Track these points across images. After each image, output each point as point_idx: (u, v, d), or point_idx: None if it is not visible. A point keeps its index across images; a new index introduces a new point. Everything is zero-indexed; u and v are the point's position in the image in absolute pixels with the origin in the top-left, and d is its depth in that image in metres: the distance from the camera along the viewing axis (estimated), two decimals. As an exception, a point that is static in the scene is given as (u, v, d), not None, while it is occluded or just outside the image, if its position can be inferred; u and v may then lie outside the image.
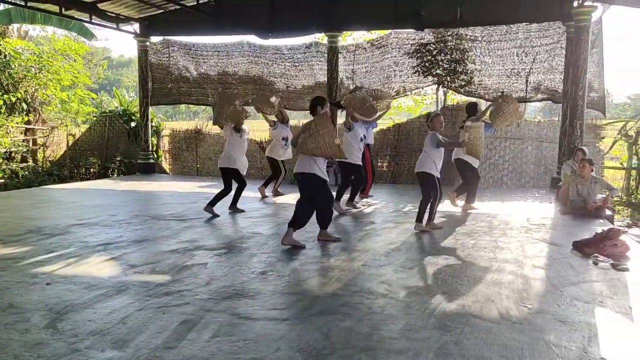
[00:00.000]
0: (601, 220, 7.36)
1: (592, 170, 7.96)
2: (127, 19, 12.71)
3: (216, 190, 7.87)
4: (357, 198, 8.51)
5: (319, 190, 5.70)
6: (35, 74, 15.30)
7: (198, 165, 13.86)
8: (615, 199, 9.86)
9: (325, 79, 12.40)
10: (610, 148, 12.84)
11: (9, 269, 4.81)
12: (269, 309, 3.85)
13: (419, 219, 6.58)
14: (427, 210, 6.60)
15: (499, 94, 7.29)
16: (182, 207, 8.21)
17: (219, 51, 13.69)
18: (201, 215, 7.50)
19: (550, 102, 12.70)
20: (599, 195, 7.98)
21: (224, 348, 3.16)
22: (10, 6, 12.96)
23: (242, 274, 4.71)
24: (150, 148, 13.99)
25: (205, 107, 14.02)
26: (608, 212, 7.83)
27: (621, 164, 13.05)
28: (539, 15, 10.60)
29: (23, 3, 10.71)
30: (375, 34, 14.65)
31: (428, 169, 6.45)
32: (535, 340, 3.31)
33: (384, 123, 15.39)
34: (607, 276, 4.73)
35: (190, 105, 14.10)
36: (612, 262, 5.10)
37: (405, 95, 13.48)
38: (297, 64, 13.23)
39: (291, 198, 9.20)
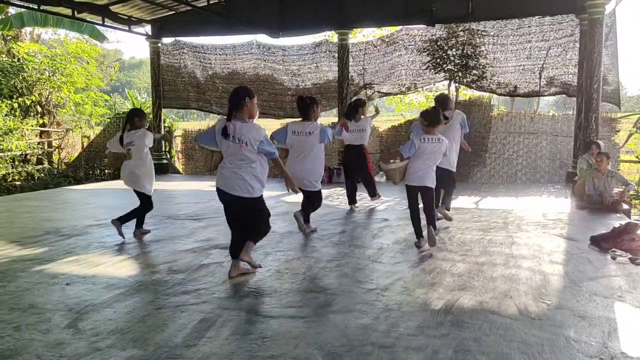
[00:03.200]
0: (618, 215, 7.28)
1: (609, 164, 7.88)
2: (139, 21, 12.81)
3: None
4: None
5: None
6: (49, 76, 15.49)
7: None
8: (631, 192, 9.75)
9: (335, 77, 12.40)
10: (626, 141, 12.70)
11: (28, 270, 4.87)
12: (285, 307, 3.86)
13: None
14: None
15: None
16: (197, 207, 8.26)
17: (226, 53, 13.73)
18: (215, 215, 7.54)
19: (564, 95, 12.58)
20: (615, 190, 7.89)
21: (243, 346, 3.18)
22: (22, 9, 13.11)
23: (258, 272, 4.72)
24: (163, 148, 14.09)
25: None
26: (625, 206, 7.75)
27: (637, 157, 12.90)
28: (551, 8, 10.51)
29: (36, 6, 10.83)
30: (386, 30, 14.60)
31: None
32: (554, 336, 3.29)
33: (395, 120, 15.37)
34: (625, 271, 4.69)
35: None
36: (630, 256, 5.05)
37: (417, 91, 13.43)
38: (307, 63, 13.23)
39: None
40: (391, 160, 5.64)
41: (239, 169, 4.31)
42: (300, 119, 6.16)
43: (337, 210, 7.97)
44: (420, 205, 5.63)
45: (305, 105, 6.06)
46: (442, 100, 6.71)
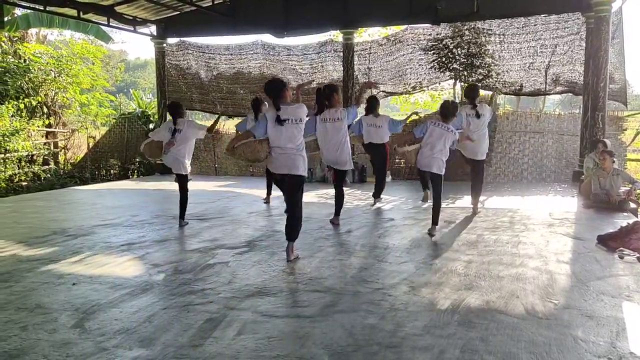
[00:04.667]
0: (625, 214, 7.24)
1: (614, 162, 7.83)
2: (144, 22, 12.84)
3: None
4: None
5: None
6: (55, 77, 15.54)
7: (216, 165, 13.95)
8: (638, 191, 9.70)
9: (341, 77, 12.38)
10: (633, 140, 12.63)
11: (35, 270, 4.89)
12: (291, 307, 3.86)
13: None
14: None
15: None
16: (202, 207, 8.27)
17: (231, 53, 13.72)
18: (221, 215, 7.55)
19: (570, 94, 12.52)
20: (622, 188, 7.85)
21: (249, 346, 3.18)
22: (28, 11, 13.15)
23: (263, 272, 4.73)
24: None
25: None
26: (632, 205, 7.70)
27: (644, 155, 12.83)
28: (557, 6, 10.45)
29: (42, 7, 10.88)
30: (391, 29, 14.57)
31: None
32: (562, 335, 3.27)
33: (400, 119, 15.29)
34: (633, 270, 4.66)
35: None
36: (638, 255, 5.01)
37: (422, 90, 13.39)
38: (312, 63, 13.21)
39: (310, 196, 9.21)
40: (405, 145, 6.31)
41: (288, 151, 4.93)
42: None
43: (342, 209, 7.95)
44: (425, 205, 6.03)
45: (327, 93, 6.40)
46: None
